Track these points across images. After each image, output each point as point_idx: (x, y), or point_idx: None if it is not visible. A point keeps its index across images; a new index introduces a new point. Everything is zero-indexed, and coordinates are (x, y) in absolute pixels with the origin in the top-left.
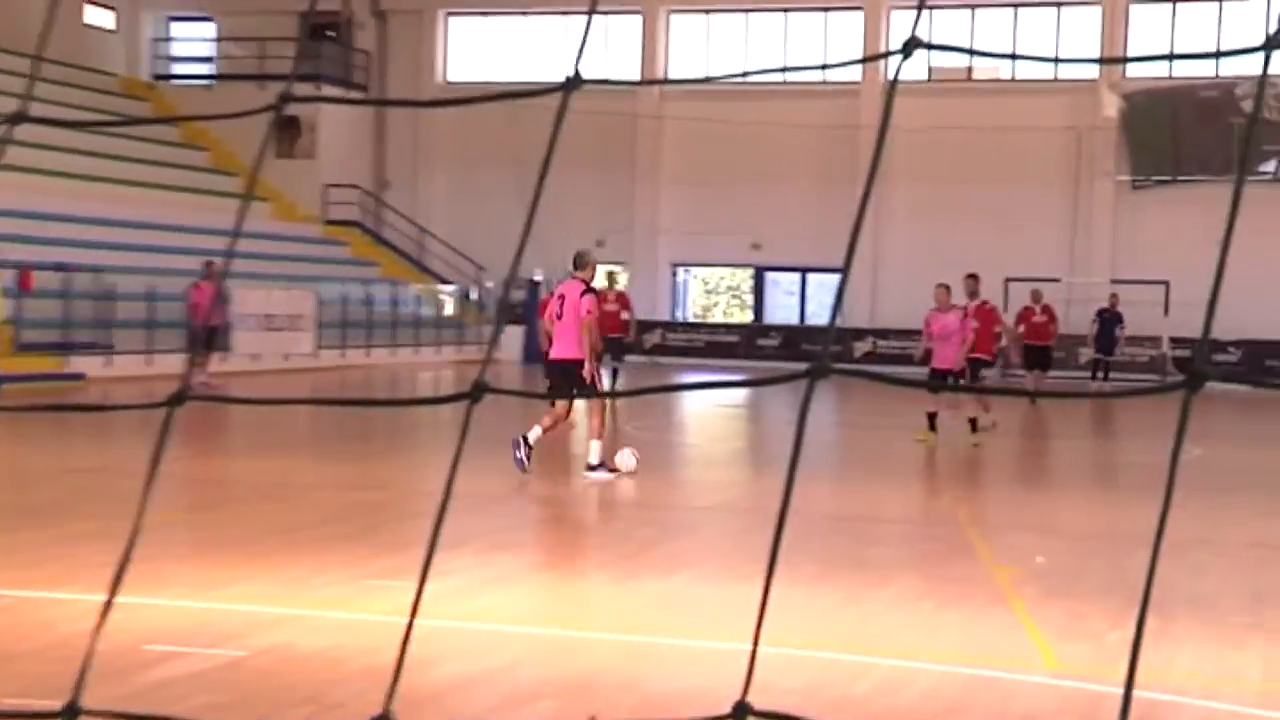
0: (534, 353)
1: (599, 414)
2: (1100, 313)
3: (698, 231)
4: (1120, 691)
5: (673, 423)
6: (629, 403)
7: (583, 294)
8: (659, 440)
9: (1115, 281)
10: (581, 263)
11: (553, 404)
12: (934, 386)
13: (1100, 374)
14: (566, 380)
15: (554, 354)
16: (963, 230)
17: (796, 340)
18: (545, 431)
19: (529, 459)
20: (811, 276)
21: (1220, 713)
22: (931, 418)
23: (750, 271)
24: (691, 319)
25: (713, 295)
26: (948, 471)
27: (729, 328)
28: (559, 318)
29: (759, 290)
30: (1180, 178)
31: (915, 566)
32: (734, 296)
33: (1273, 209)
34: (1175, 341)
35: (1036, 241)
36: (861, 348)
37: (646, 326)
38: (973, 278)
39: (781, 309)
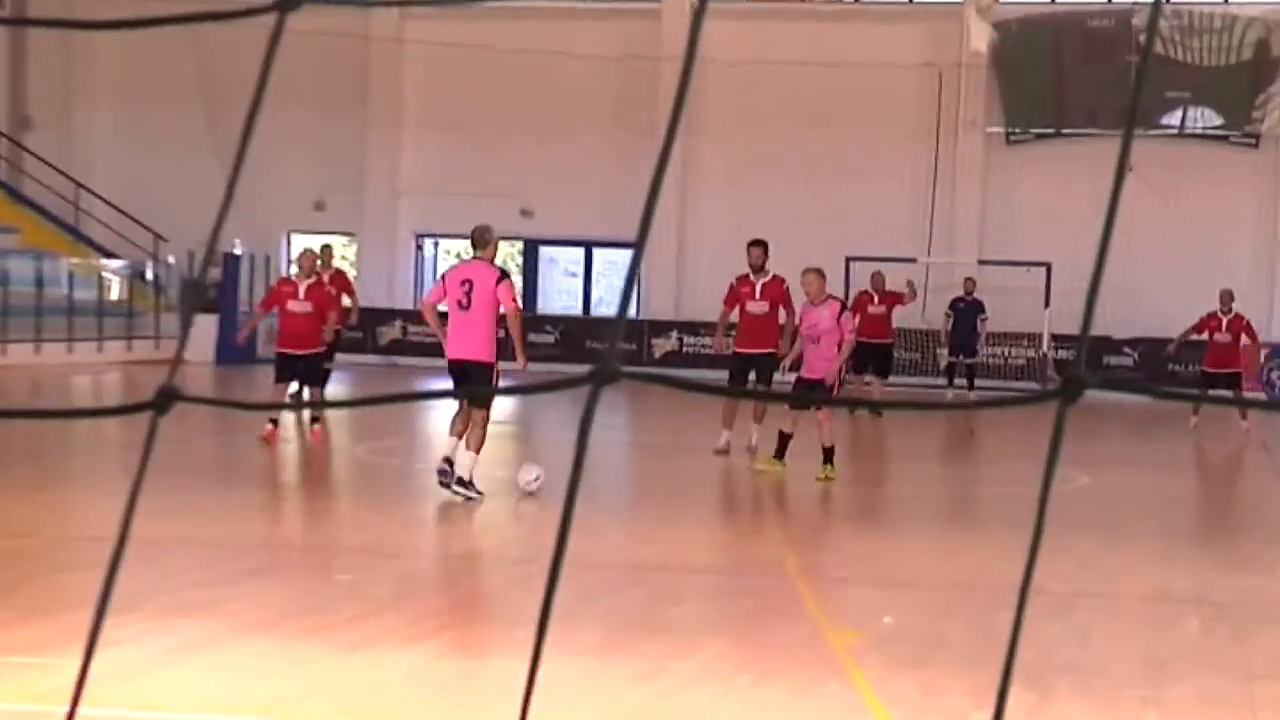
0: (230, 349)
1: (484, 425)
2: (954, 303)
3: (450, 193)
4: None
5: (414, 444)
6: (353, 419)
7: (499, 280)
8: (397, 468)
9: (985, 263)
10: (484, 240)
11: (460, 411)
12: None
13: (962, 381)
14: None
15: (456, 353)
16: (793, 195)
17: (579, 335)
18: (464, 443)
19: (470, 489)
20: (599, 253)
21: None
22: (785, 442)
23: (519, 246)
24: (442, 307)
25: None
26: (772, 507)
27: None
28: (463, 307)
29: (530, 270)
30: (1066, 130)
31: (729, 629)
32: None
33: (1182, 172)
34: (1059, 340)
35: (886, 210)
36: (664, 345)
37: (382, 316)
38: (758, 246)
39: (560, 295)
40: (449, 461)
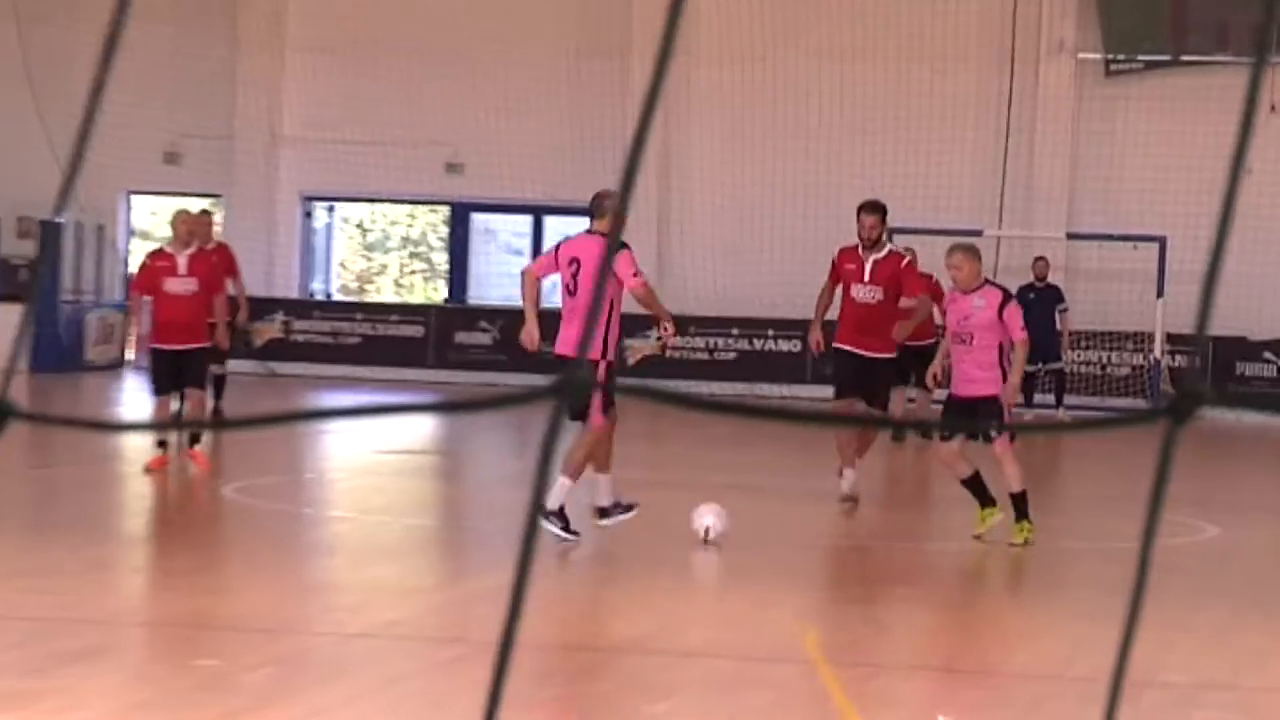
0: (49, 352)
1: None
2: (1023, 292)
3: (349, 142)
4: None
5: (300, 482)
6: (219, 451)
7: (619, 251)
8: (277, 515)
9: (1075, 237)
10: (599, 209)
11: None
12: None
13: (1050, 394)
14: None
15: (560, 348)
16: (816, 145)
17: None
18: (576, 474)
19: (567, 527)
20: (552, 222)
21: None
22: (979, 489)
23: (444, 213)
24: (339, 295)
25: (378, 253)
26: (787, 568)
27: (407, 311)
28: (570, 292)
29: (460, 245)
30: (1186, 57)
31: None
32: (415, 256)
33: None
34: (1177, 341)
35: (944, 167)
36: (641, 348)
37: (258, 306)
38: (873, 212)
39: (500, 279)
40: (617, 504)
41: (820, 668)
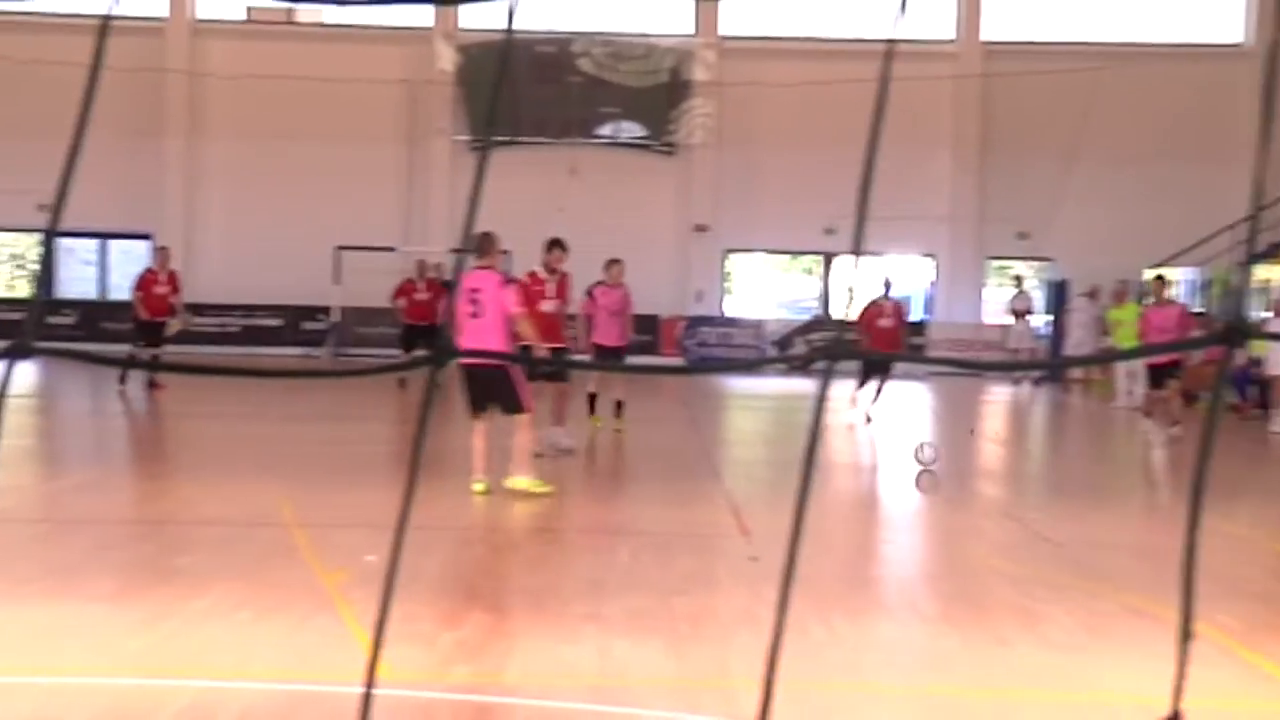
0: None
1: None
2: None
3: None
4: (456, 697)
5: None
6: None
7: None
8: None
9: (456, 251)
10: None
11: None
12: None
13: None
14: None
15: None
16: (291, 192)
17: (97, 317)
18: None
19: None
20: (115, 244)
21: (553, 711)
22: (592, 404)
23: (37, 237)
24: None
25: None
26: (270, 463)
27: (9, 304)
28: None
29: (48, 258)
30: (519, 139)
31: (233, 574)
32: (19, 267)
33: (615, 175)
34: None
35: (372, 206)
36: (173, 325)
37: None
38: (558, 245)
39: (79, 281)
40: None
41: (292, 530)
